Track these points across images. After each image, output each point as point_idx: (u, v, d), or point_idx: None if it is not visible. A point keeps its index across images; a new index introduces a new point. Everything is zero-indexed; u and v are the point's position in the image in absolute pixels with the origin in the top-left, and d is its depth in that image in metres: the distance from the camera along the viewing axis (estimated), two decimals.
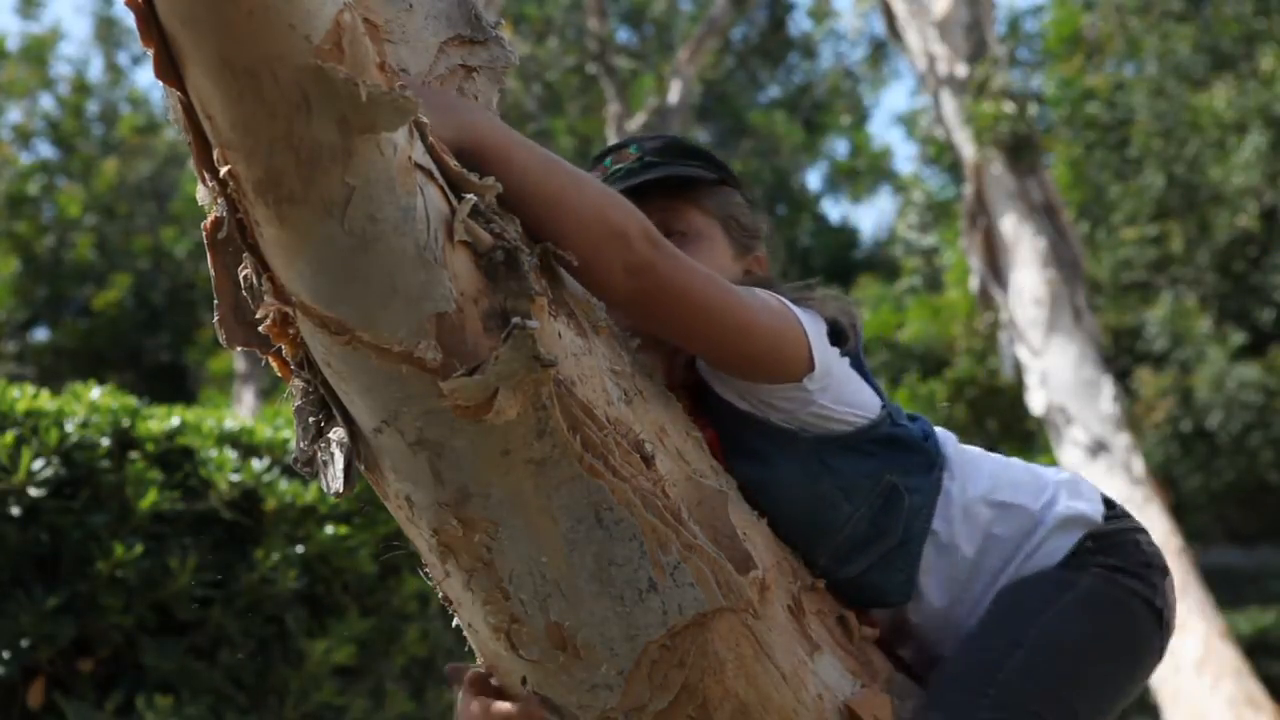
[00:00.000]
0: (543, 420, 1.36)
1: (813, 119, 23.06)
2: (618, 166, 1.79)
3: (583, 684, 1.44)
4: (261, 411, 6.58)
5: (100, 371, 13.86)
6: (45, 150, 17.65)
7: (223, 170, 1.25)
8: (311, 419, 1.45)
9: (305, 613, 3.81)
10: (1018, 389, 9.96)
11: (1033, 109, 9.27)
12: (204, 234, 1.36)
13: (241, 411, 12.12)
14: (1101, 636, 1.73)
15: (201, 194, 1.35)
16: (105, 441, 3.55)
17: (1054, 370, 8.20)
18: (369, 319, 1.29)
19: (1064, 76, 13.94)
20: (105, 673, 3.50)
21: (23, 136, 17.36)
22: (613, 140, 12.26)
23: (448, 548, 1.42)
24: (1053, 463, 9.31)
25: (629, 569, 1.41)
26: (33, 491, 3.38)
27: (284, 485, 3.78)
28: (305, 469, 1.47)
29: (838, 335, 1.69)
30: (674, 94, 13.84)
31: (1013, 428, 12.34)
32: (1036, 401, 8.38)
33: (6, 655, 3.34)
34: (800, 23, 23.51)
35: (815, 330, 1.65)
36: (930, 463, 1.75)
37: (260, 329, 1.36)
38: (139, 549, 3.43)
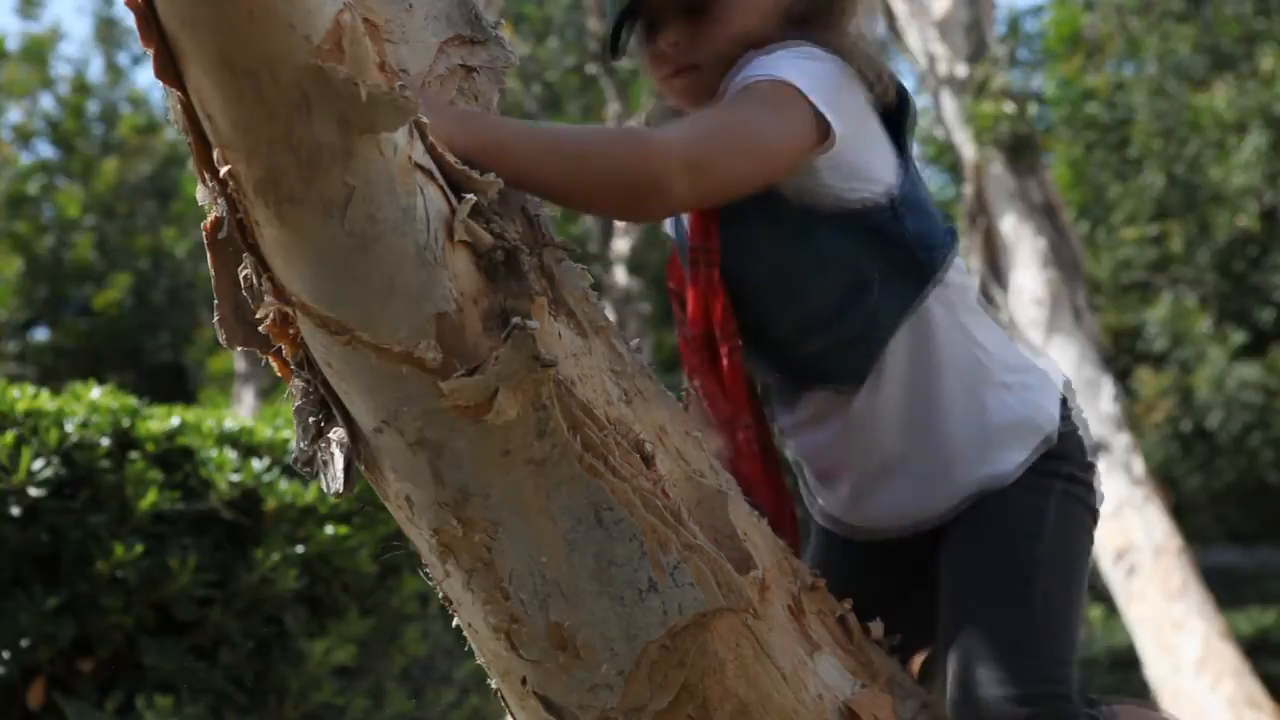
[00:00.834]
0: (543, 420, 1.36)
1: None
2: None
3: (583, 684, 1.44)
4: (261, 411, 6.58)
5: (100, 371, 13.86)
6: (45, 150, 17.65)
7: (223, 170, 1.25)
8: (311, 419, 1.45)
9: (305, 613, 3.81)
10: None
11: (1033, 109, 9.29)
12: (204, 234, 1.36)
13: (241, 411, 12.12)
14: (1075, 559, 1.76)
15: (201, 194, 1.35)
16: (105, 441, 3.55)
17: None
18: (369, 319, 1.29)
19: (1064, 76, 13.94)
20: (105, 673, 3.50)
21: (23, 136, 17.36)
22: None
23: (448, 548, 1.42)
24: None
25: (629, 569, 1.41)
26: (33, 491, 3.38)
27: (284, 485, 3.78)
28: (305, 469, 1.47)
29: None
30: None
31: None
32: None
33: (6, 655, 3.34)
34: None
35: (834, 91, 1.59)
36: (920, 274, 1.68)
37: (260, 329, 1.36)
38: (139, 549, 3.43)
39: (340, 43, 1.18)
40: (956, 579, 1.73)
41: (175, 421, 3.75)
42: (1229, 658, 7.05)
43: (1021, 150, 8.27)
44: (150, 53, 1.21)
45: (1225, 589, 10.36)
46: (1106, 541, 7.32)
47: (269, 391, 13.27)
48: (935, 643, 1.73)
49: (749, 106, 1.55)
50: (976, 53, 8.56)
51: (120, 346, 16.12)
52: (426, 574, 1.52)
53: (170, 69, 1.21)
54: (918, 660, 1.85)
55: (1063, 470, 1.76)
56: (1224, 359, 11.57)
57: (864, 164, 1.64)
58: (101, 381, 4.00)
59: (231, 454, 3.74)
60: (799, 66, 1.59)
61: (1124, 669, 9.82)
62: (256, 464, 3.77)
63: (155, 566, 3.49)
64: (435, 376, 1.31)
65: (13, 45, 17.57)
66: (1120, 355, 12.21)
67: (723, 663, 1.45)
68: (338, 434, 1.43)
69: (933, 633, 1.76)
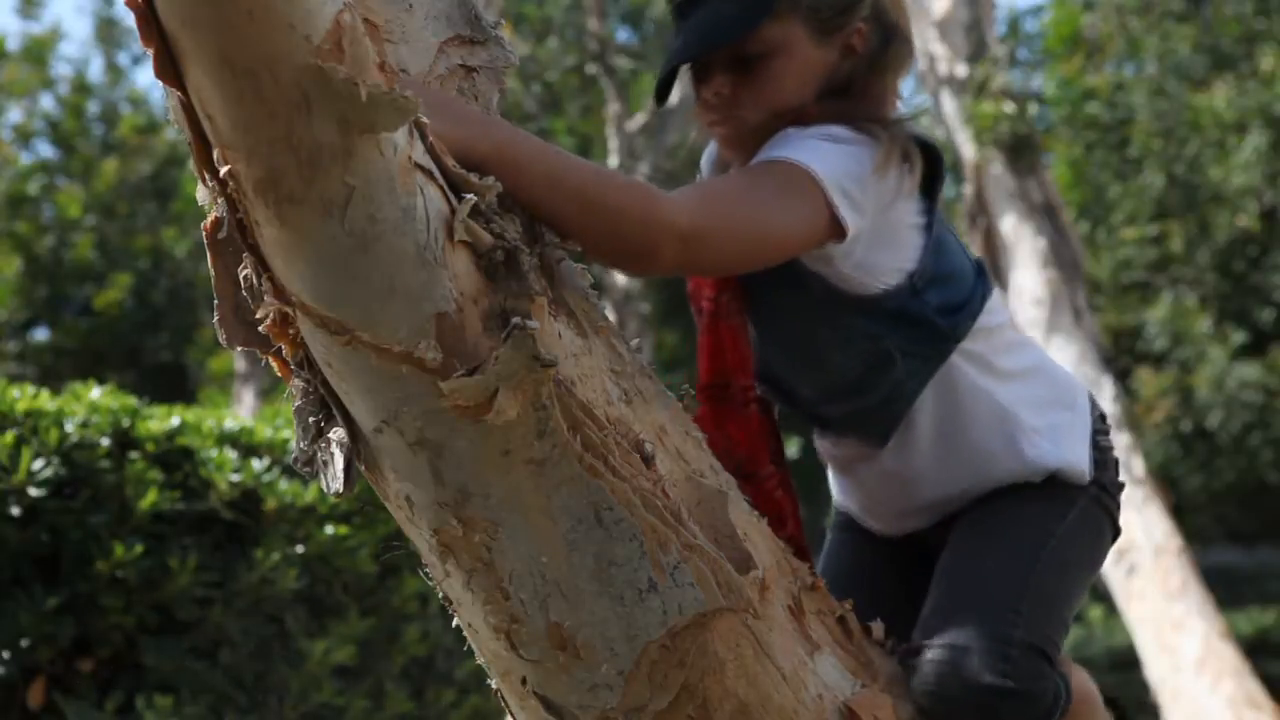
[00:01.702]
0: (543, 420, 1.36)
1: None
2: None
3: (583, 684, 1.44)
4: (261, 411, 6.57)
5: (100, 371, 13.86)
6: (45, 150, 17.63)
7: (223, 170, 1.25)
8: (311, 419, 1.45)
9: (305, 613, 3.81)
10: None
11: (1033, 109, 9.28)
12: (204, 234, 1.36)
13: (241, 411, 12.12)
14: (1087, 561, 1.80)
15: (201, 194, 1.35)
16: (105, 441, 3.55)
17: None
18: (369, 319, 1.29)
19: (1064, 76, 13.93)
20: (105, 673, 3.50)
21: (23, 136, 17.34)
22: (613, 141, 12.26)
23: (448, 548, 1.42)
24: None
25: (629, 569, 1.41)
26: (33, 491, 3.38)
27: (284, 485, 3.78)
28: (305, 469, 1.48)
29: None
30: (674, 94, 13.79)
31: None
32: None
33: (6, 655, 3.34)
34: None
35: (857, 182, 1.59)
36: (944, 341, 1.71)
37: (260, 329, 1.36)
38: (139, 549, 3.43)
39: (340, 43, 1.18)
40: (969, 533, 1.77)
41: (175, 421, 3.75)
42: (1229, 658, 7.05)
43: (1021, 150, 8.26)
44: (150, 53, 1.21)
45: (1225, 589, 10.37)
46: None
47: (269, 391, 13.26)
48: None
49: (762, 188, 1.55)
50: (976, 53, 8.55)
51: (120, 346, 16.12)
52: (426, 574, 1.52)
53: (170, 69, 1.21)
54: None
55: (1099, 479, 1.81)
56: (1224, 359, 11.57)
57: (882, 260, 1.65)
58: (101, 381, 4.00)
59: (231, 454, 3.74)
60: (825, 153, 1.59)
61: (1124, 669, 9.81)
62: (256, 464, 3.77)
63: (155, 566, 3.49)
64: (435, 376, 1.31)
65: (13, 45, 17.56)
66: (1120, 355, 12.20)
67: (723, 663, 1.45)
68: (338, 434, 1.43)
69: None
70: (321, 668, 3.74)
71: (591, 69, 14.05)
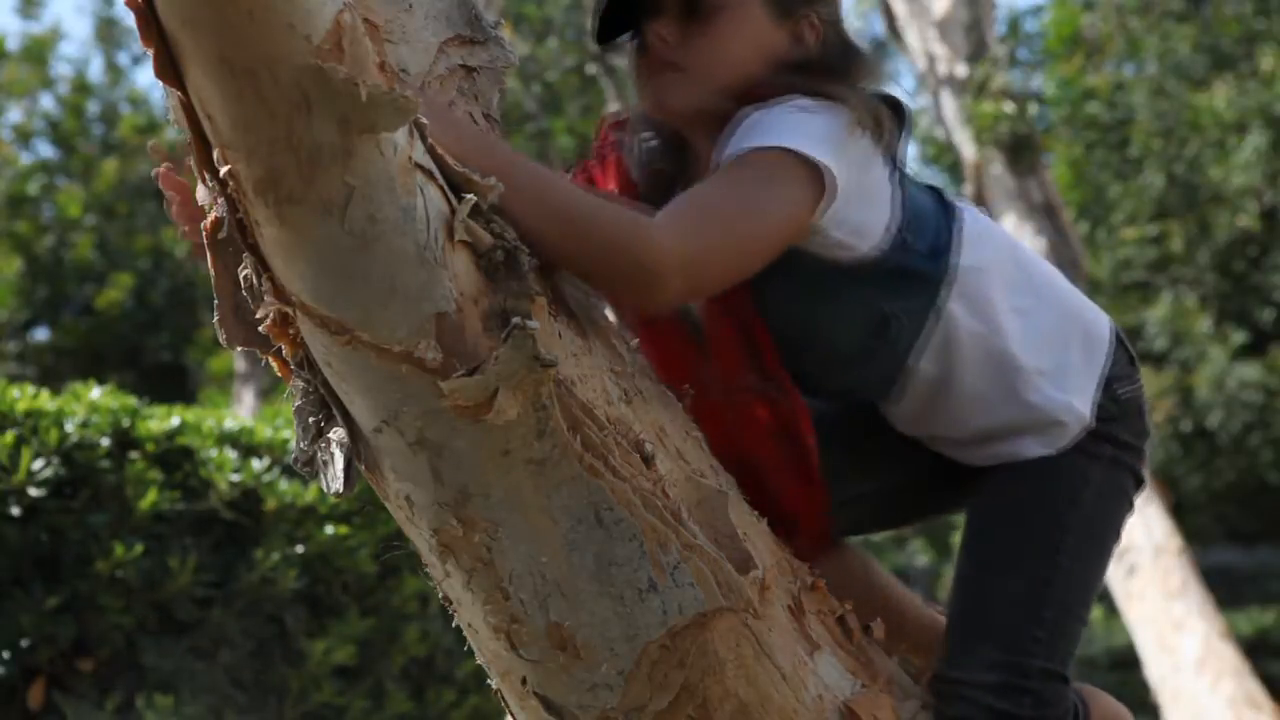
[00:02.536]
0: (543, 420, 1.36)
1: None
2: None
3: (583, 684, 1.44)
4: (261, 411, 6.58)
5: (100, 371, 13.85)
6: (45, 150, 17.63)
7: (223, 170, 1.25)
8: (311, 419, 1.45)
9: (305, 613, 3.81)
10: None
11: (1033, 109, 9.29)
12: (204, 234, 1.36)
13: (241, 411, 12.11)
14: (1111, 529, 1.74)
15: (202, 194, 1.35)
16: (105, 441, 3.55)
17: None
18: (369, 319, 1.29)
19: (1064, 76, 13.93)
20: (105, 673, 3.50)
21: (23, 136, 17.34)
22: None
23: (448, 548, 1.42)
24: None
25: (629, 569, 1.41)
26: (33, 491, 3.38)
27: (284, 485, 3.79)
28: (305, 469, 1.48)
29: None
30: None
31: None
32: None
33: (6, 655, 3.34)
34: None
35: (832, 143, 1.55)
36: (933, 286, 1.67)
37: (260, 329, 1.36)
38: (139, 549, 3.43)
39: (340, 43, 1.18)
40: (982, 532, 1.73)
41: (175, 421, 3.75)
42: (1229, 658, 7.05)
43: (1021, 150, 8.26)
44: (150, 53, 1.21)
45: (1225, 589, 10.37)
46: None
47: (269, 391, 13.26)
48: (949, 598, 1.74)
49: (744, 185, 1.52)
50: (976, 53, 8.55)
51: (120, 346, 16.11)
52: (426, 574, 1.52)
53: (170, 69, 1.21)
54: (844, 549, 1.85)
55: (1116, 436, 1.73)
56: (1224, 359, 11.57)
57: (870, 220, 1.62)
58: (101, 381, 4.00)
59: (231, 454, 3.75)
60: (794, 125, 1.56)
61: (1124, 669, 9.82)
62: (256, 464, 3.78)
63: (155, 566, 3.49)
64: (435, 376, 1.31)
65: (13, 45, 17.55)
66: None
67: (723, 663, 1.45)
68: (338, 434, 1.43)
69: (878, 522, 1.84)
70: (321, 668, 3.74)
71: (591, 69, 14.06)
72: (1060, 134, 13.80)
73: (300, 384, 1.44)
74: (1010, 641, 1.64)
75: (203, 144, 1.27)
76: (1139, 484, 1.78)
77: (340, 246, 1.25)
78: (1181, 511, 10.34)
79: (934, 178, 19.90)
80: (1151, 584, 7.22)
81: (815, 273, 1.63)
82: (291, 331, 1.36)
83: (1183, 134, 12.16)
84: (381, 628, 3.98)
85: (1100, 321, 1.78)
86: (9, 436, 3.41)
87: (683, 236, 1.46)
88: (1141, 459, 1.78)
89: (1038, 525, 1.70)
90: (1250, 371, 11.47)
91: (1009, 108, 8.26)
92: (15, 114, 17.49)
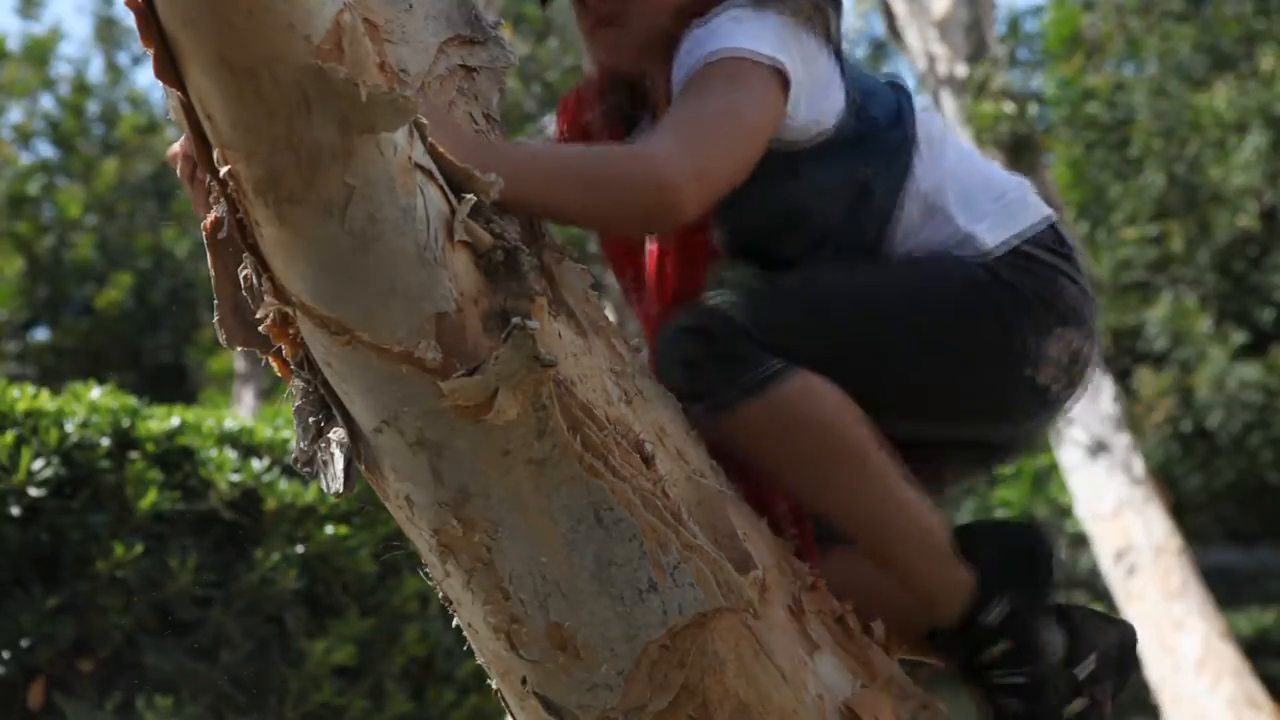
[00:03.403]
0: (543, 420, 1.36)
1: None
2: None
3: (583, 684, 1.44)
4: (261, 411, 6.58)
5: (100, 371, 13.85)
6: (45, 150, 17.61)
7: (223, 170, 1.25)
8: (311, 419, 1.45)
9: (305, 613, 3.81)
10: (1039, 422, 9.91)
11: (1033, 109, 9.27)
12: (204, 234, 1.36)
13: (241, 411, 12.10)
14: (960, 348, 1.69)
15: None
16: (105, 441, 3.55)
17: None
18: (369, 319, 1.29)
19: (1064, 76, 13.92)
20: (105, 673, 3.50)
21: (23, 136, 17.33)
22: None
23: (448, 548, 1.42)
24: (1052, 464, 9.30)
25: (629, 569, 1.41)
26: (33, 491, 3.38)
27: (284, 485, 3.79)
28: (305, 469, 1.48)
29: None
30: None
31: None
32: None
33: (6, 655, 3.34)
34: None
35: (779, 40, 1.59)
36: (904, 151, 1.70)
37: (260, 329, 1.36)
38: (139, 549, 3.43)
39: (340, 43, 1.18)
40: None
41: (175, 421, 3.75)
42: (1229, 658, 7.05)
43: (1021, 150, 8.26)
44: (150, 53, 1.21)
45: (1225, 589, 10.35)
46: (1107, 541, 7.32)
47: (269, 391, 13.25)
48: None
49: (719, 94, 1.55)
50: (976, 53, 8.55)
51: (120, 346, 16.10)
52: (426, 574, 1.52)
53: (170, 69, 1.21)
54: None
55: (1015, 285, 1.71)
56: (1224, 359, 11.57)
57: (827, 103, 1.66)
58: (101, 381, 4.00)
59: (231, 454, 3.75)
60: (739, 32, 1.59)
61: None
62: (256, 464, 3.78)
63: (155, 566, 3.49)
64: (435, 376, 1.31)
65: (13, 45, 17.54)
66: (1120, 355, 12.19)
67: (723, 663, 1.45)
68: (338, 434, 1.43)
69: None
70: (321, 668, 3.74)
71: None
72: (1060, 134, 13.79)
73: (300, 384, 1.44)
74: (763, 317, 1.61)
75: (203, 144, 1.27)
76: (1010, 344, 1.71)
77: (340, 246, 1.25)
78: (1181, 511, 10.33)
79: None
80: (1151, 584, 7.22)
81: (784, 160, 1.64)
82: (291, 331, 1.36)
83: (1183, 134, 12.16)
84: (381, 628, 3.98)
85: (1034, 200, 1.84)
86: (9, 436, 3.41)
87: (683, 149, 1.49)
88: (1038, 323, 1.72)
89: (893, 271, 1.70)
90: (1250, 371, 11.47)
91: (1009, 108, 8.26)
92: (15, 114, 17.48)
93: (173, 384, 15.56)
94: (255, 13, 1.13)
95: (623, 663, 1.42)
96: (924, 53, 8.62)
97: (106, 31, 18.39)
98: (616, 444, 1.42)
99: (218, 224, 1.33)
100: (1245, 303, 12.26)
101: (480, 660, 1.54)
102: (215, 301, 1.41)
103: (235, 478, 3.68)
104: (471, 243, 1.32)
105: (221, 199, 1.30)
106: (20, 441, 3.42)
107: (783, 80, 1.58)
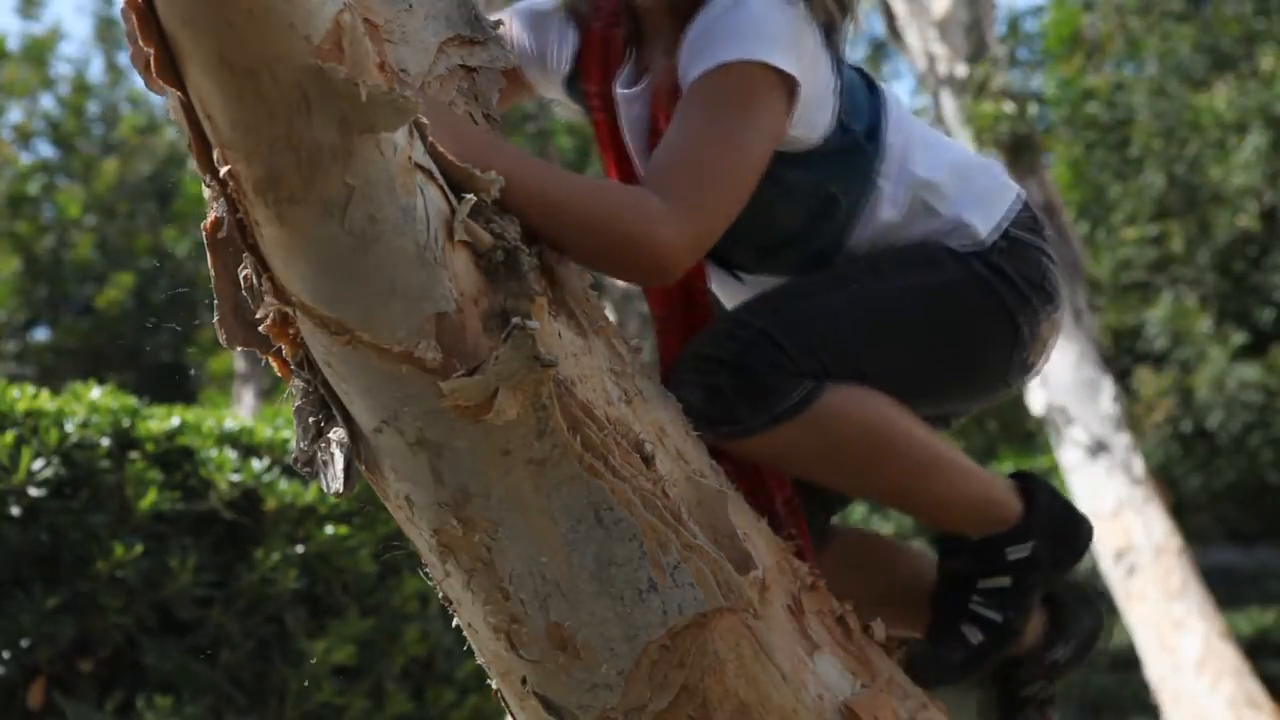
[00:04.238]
0: (543, 420, 1.36)
1: None
2: None
3: (583, 684, 1.44)
4: (261, 411, 6.58)
5: (100, 371, 13.85)
6: (45, 150, 17.61)
7: (223, 170, 1.25)
8: (311, 419, 1.45)
9: (305, 613, 3.81)
10: (1017, 389, 9.92)
11: (1033, 109, 9.27)
12: (204, 234, 1.36)
13: (241, 411, 12.11)
14: (941, 325, 1.72)
15: (208, 192, 1.35)
16: (105, 441, 3.55)
17: (1054, 370, 8.20)
18: (369, 319, 1.29)
19: (1064, 76, 13.92)
20: (105, 673, 3.50)
21: (23, 136, 17.33)
22: None
23: (448, 548, 1.42)
24: (1053, 464, 9.30)
25: (629, 569, 1.41)
26: (33, 491, 3.38)
27: (284, 485, 3.78)
28: (305, 469, 1.48)
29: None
30: None
31: (1012, 428, 12.33)
32: (1036, 401, 8.38)
33: (6, 655, 3.34)
34: None
35: (788, 42, 1.57)
36: (870, 165, 1.71)
37: (260, 329, 1.36)
38: (139, 549, 3.43)
39: (340, 43, 1.18)
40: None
41: (175, 421, 3.75)
42: (1229, 658, 7.05)
43: (1021, 150, 8.26)
44: (150, 53, 1.21)
45: (1225, 589, 10.36)
46: (1107, 541, 7.32)
47: (269, 391, 13.25)
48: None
49: (724, 120, 1.54)
50: (976, 53, 8.55)
51: (120, 346, 16.10)
52: (426, 574, 1.53)
53: (170, 69, 1.21)
54: None
55: (1003, 269, 1.73)
56: (1224, 359, 11.56)
57: (820, 113, 1.65)
58: (101, 381, 4.00)
59: (231, 454, 3.74)
60: (750, 29, 1.56)
61: (1124, 669, 9.81)
62: (256, 464, 3.77)
63: (155, 566, 3.49)
64: (435, 376, 1.31)
65: (13, 45, 17.54)
66: (1120, 355, 12.20)
67: (723, 663, 1.45)
68: (338, 434, 1.43)
69: None
70: (321, 668, 3.74)
71: None
72: (1060, 134, 13.79)
73: (300, 384, 1.44)
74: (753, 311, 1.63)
75: (203, 144, 1.27)
76: (1016, 333, 1.75)
77: (340, 246, 1.25)
78: (1181, 511, 10.34)
79: None
80: (1151, 584, 7.22)
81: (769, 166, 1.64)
82: (291, 331, 1.36)
83: (1183, 134, 12.16)
84: (381, 628, 3.98)
85: (995, 170, 1.84)
86: (9, 436, 3.41)
87: (685, 213, 1.49)
88: (1025, 303, 1.75)
89: (867, 266, 1.71)
90: (1250, 372, 11.46)
91: (1009, 108, 8.26)
92: (15, 114, 17.48)
93: (173, 384, 15.55)
94: (255, 13, 1.13)
95: (623, 663, 1.43)
96: (924, 53, 8.62)
97: (106, 31, 18.39)
98: (616, 444, 1.42)
99: (218, 224, 1.33)
100: (1245, 303, 12.26)
101: (480, 660, 1.54)
102: (215, 301, 1.41)
103: (235, 478, 3.68)
104: (471, 243, 1.32)
105: (221, 199, 1.30)
106: (20, 441, 3.42)
107: (791, 93, 1.57)
